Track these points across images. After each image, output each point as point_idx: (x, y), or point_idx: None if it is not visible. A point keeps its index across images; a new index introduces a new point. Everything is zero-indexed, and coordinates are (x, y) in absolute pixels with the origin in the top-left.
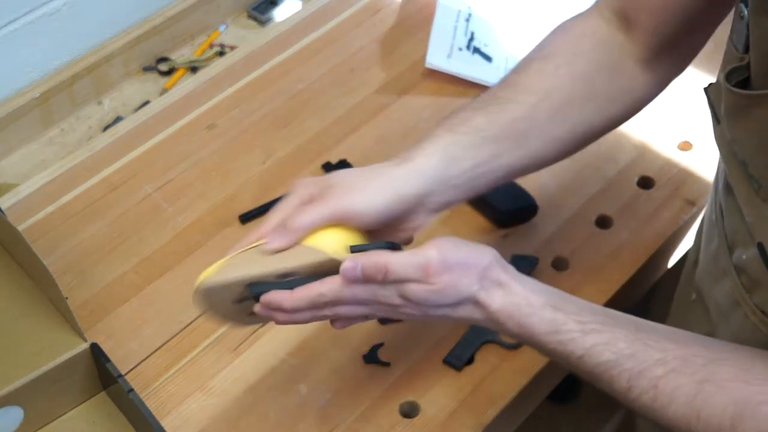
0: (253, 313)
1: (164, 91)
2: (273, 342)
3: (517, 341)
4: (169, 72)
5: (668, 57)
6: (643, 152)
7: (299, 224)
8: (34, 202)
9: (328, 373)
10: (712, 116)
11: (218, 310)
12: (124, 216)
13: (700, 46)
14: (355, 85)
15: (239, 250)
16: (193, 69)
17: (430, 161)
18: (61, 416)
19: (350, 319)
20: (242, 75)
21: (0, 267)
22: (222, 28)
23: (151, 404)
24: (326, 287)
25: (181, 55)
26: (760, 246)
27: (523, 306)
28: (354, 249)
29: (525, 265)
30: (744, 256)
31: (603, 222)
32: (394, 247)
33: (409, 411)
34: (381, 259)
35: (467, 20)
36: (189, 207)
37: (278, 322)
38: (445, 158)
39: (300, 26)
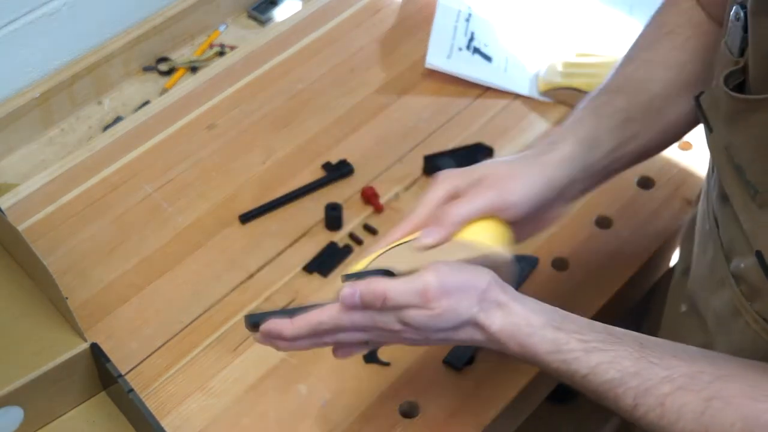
0: None
1: (164, 91)
2: None
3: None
4: (169, 72)
5: None
6: None
7: (454, 218)
8: (34, 202)
9: (328, 373)
10: (705, 125)
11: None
12: (124, 216)
13: None
14: (355, 85)
15: (388, 246)
16: (193, 69)
17: (577, 147)
18: (61, 416)
19: (351, 348)
20: (242, 75)
21: (0, 267)
22: (222, 28)
23: (151, 404)
24: (326, 315)
25: (181, 55)
26: (759, 254)
27: (524, 326)
28: (347, 278)
29: (525, 265)
30: (742, 265)
31: (603, 222)
32: (388, 273)
33: (409, 411)
34: (379, 286)
35: (467, 20)
36: (189, 207)
37: (279, 349)
38: (584, 145)
39: (300, 26)
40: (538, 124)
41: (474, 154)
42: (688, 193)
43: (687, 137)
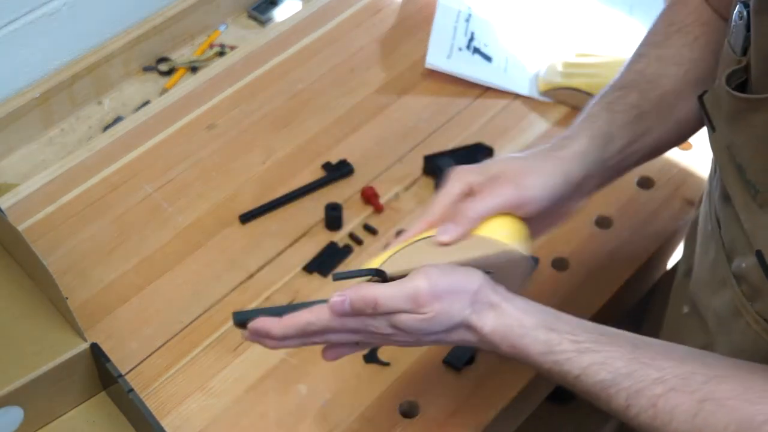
0: None
1: (164, 91)
2: None
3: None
4: (169, 72)
5: None
6: None
7: (473, 215)
8: (34, 202)
9: (328, 373)
10: (707, 124)
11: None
12: (124, 216)
13: None
14: (355, 85)
15: (405, 242)
16: (193, 69)
17: (591, 143)
18: (61, 416)
19: (341, 348)
20: (242, 75)
21: (0, 267)
22: (222, 28)
23: (151, 404)
24: (315, 316)
25: (181, 55)
26: (759, 253)
27: (516, 327)
28: (337, 277)
29: (525, 265)
30: (743, 265)
31: (603, 222)
32: (379, 273)
33: (409, 411)
34: (369, 292)
35: (467, 20)
36: (189, 207)
37: (267, 347)
38: (605, 138)
39: (300, 26)
40: (538, 124)
41: (474, 154)
42: (688, 193)
43: None
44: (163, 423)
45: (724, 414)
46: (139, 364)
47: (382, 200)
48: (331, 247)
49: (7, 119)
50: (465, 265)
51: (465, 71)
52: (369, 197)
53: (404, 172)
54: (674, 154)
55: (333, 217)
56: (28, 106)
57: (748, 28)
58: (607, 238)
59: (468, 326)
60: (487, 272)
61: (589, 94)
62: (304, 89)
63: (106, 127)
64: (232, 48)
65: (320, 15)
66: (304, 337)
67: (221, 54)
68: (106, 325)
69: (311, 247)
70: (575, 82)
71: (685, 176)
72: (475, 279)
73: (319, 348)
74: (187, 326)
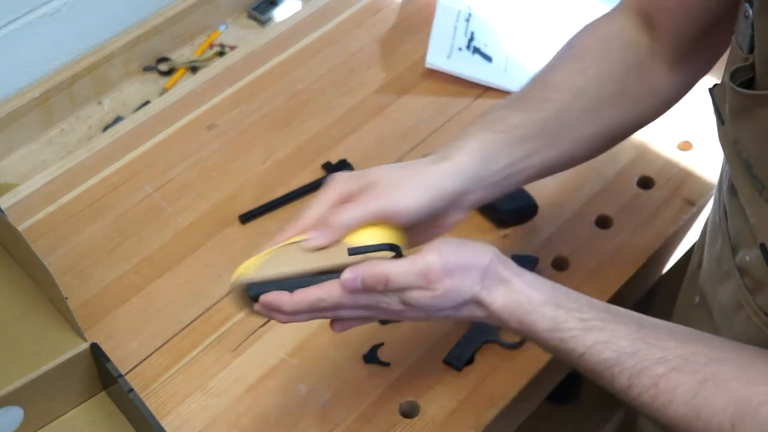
0: None
1: (164, 91)
2: (273, 342)
3: (520, 338)
4: (169, 72)
5: (694, 57)
6: (643, 152)
7: (341, 223)
8: (34, 202)
9: (328, 373)
10: (717, 117)
11: (253, 305)
12: (124, 216)
13: (725, 45)
14: (355, 85)
15: (276, 246)
16: (193, 69)
17: (467, 160)
18: (61, 416)
19: (351, 321)
20: (242, 75)
21: (0, 267)
22: (222, 28)
23: (151, 404)
24: (326, 292)
25: (181, 55)
26: (763, 247)
27: (525, 303)
28: (352, 251)
29: (525, 265)
30: (747, 258)
31: (603, 222)
32: (394, 248)
33: (409, 411)
34: (381, 269)
35: (467, 20)
36: (189, 207)
37: (278, 321)
38: (482, 157)
39: (300, 26)
40: None
41: None
42: (688, 193)
43: (687, 137)
44: (163, 423)
45: (724, 395)
46: (139, 364)
47: None
48: None
49: (7, 119)
50: (330, 271)
51: (465, 71)
52: None
53: None
54: (674, 154)
55: None
56: (28, 106)
57: (753, 26)
58: (607, 238)
59: (478, 302)
60: None
61: None
62: (304, 89)
63: (106, 127)
64: (232, 48)
65: (320, 15)
66: (315, 312)
67: (221, 54)
68: (106, 325)
69: None
70: None
71: (685, 176)
72: (486, 254)
73: (319, 348)
74: (187, 326)
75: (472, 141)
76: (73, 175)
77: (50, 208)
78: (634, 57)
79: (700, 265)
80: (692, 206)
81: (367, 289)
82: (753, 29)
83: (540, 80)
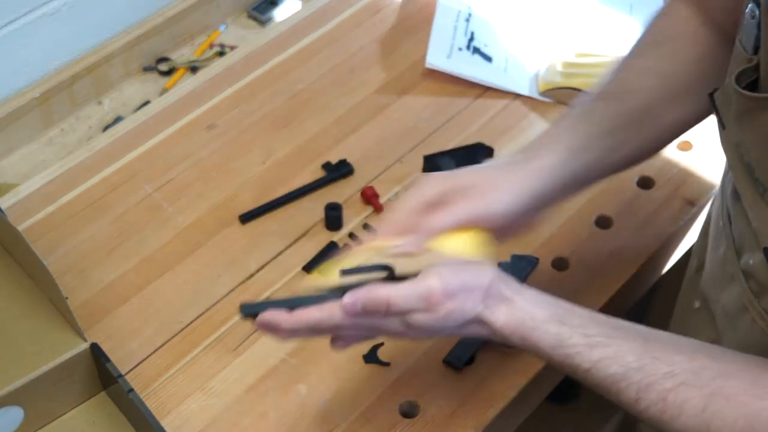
0: None
1: (164, 91)
2: (273, 342)
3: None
4: (169, 72)
5: None
6: None
7: (434, 229)
8: (34, 202)
9: (328, 373)
10: (718, 121)
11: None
12: (124, 216)
13: None
14: (355, 85)
15: (364, 250)
16: (193, 69)
17: (558, 157)
18: (61, 416)
19: (350, 341)
20: (242, 75)
21: (0, 267)
22: (222, 28)
23: (151, 404)
24: (326, 315)
25: (181, 55)
26: (766, 251)
27: (527, 320)
28: (344, 272)
29: (525, 265)
30: (751, 261)
31: (603, 222)
32: (387, 268)
33: (409, 411)
34: (381, 293)
35: (467, 20)
36: (189, 207)
37: (276, 338)
38: (572, 154)
39: (300, 26)
40: (538, 124)
41: (474, 154)
42: (688, 193)
43: (687, 137)
44: (163, 423)
45: (733, 409)
46: (139, 364)
47: (382, 200)
48: (331, 247)
49: (7, 119)
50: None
51: (465, 71)
52: (369, 197)
53: (404, 172)
54: (674, 154)
55: (333, 217)
56: (28, 106)
57: (759, 27)
58: (607, 238)
59: (480, 321)
60: None
61: None
62: (304, 89)
63: (106, 127)
64: (232, 48)
65: (320, 15)
66: (314, 332)
67: (221, 54)
68: (106, 325)
69: (311, 247)
70: (575, 82)
71: (685, 176)
72: (487, 274)
73: (319, 348)
74: (187, 326)
75: (563, 137)
76: (73, 175)
77: (50, 208)
78: (708, 44)
79: (699, 268)
80: (692, 206)
81: (367, 313)
82: (759, 29)
83: (629, 68)
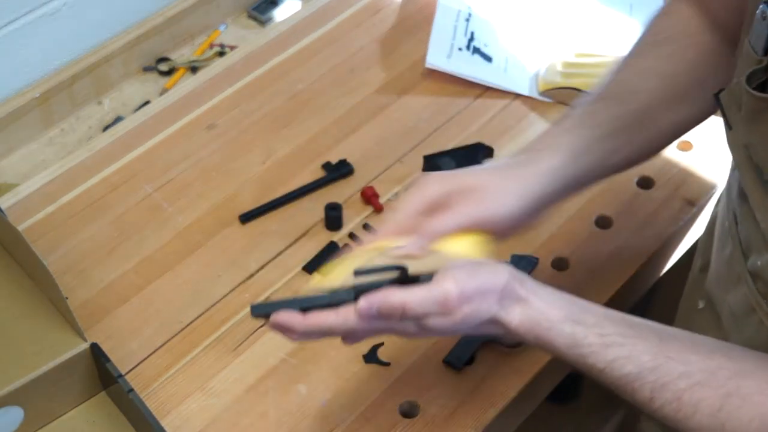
0: None
1: (164, 91)
2: (273, 342)
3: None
4: (169, 72)
5: None
6: None
7: (436, 231)
8: (34, 202)
9: (328, 373)
10: (724, 122)
11: None
12: (124, 216)
13: None
14: (355, 85)
15: (365, 251)
16: (193, 69)
17: (560, 159)
18: (61, 416)
19: (362, 337)
20: (242, 75)
21: (0, 267)
22: (222, 28)
23: (151, 404)
24: (341, 320)
25: (181, 55)
26: None
27: (543, 321)
28: (358, 272)
29: (525, 265)
30: (759, 262)
31: (603, 222)
32: (400, 268)
33: (409, 411)
34: (397, 298)
35: (467, 20)
36: (189, 207)
37: (287, 339)
38: (574, 156)
39: (300, 26)
40: (538, 124)
41: (474, 154)
42: (688, 193)
43: (687, 137)
44: (163, 423)
45: (749, 409)
46: (139, 364)
47: (382, 200)
48: (331, 247)
49: (7, 119)
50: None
51: (465, 71)
52: (369, 197)
53: (404, 172)
54: (674, 154)
55: (333, 217)
56: (28, 106)
57: None
58: (607, 238)
59: (496, 322)
60: None
61: None
62: (304, 89)
63: (106, 127)
64: (232, 48)
65: (320, 15)
66: (327, 335)
67: (221, 54)
68: (106, 325)
69: (311, 247)
70: (575, 82)
71: (685, 176)
72: (502, 274)
73: (319, 348)
74: (187, 326)
75: (564, 139)
76: (73, 175)
77: (50, 208)
78: (709, 43)
79: (703, 269)
80: (692, 206)
81: (383, 317)
82: None
83: (627, 67)
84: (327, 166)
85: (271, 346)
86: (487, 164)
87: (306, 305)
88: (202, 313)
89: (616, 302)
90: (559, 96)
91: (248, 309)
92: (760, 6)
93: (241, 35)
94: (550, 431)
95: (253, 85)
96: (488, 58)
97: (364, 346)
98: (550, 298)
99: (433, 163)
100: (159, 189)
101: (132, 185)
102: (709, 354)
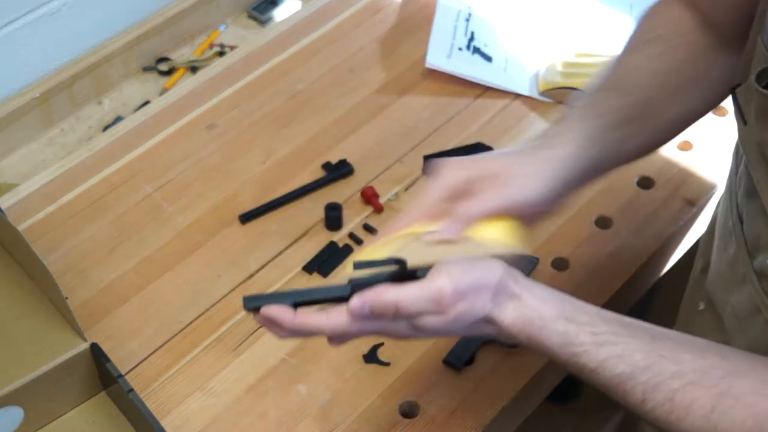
0: None
1: (164, 91)
2: (273, 342)
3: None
4: (169, 72)
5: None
6: None
7: (469, 216)
8: (34, 202)
9: (328, 373)
10: (739, 118)
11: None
12: (124, 216)
13: None
14: (355, 85)
15: (394, 236)
16: (193, 69)
17: (571, 146)
18: (61, 416)
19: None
20: (242, 75)
21: (0, 267)
22: (222, 28)
23: (151, 404)
24: (332, 323)
25: (181, 55)
26: None
27: (535, 319)
28: (357, 265)
29: (525, 265)
30: (767, 262)
31: (603, 222)
32: (399, 262)
33: (409, 411)
34: (390, 296)
35: (467, 20)
36: (189, 207)
37: (276, 335)
38: (583, 143)
39: (300, 26)
40: (538, 124)
41: (474, 153)
42: (688, 193)
43: (687, 137)
44: (163, 423)
45: (742, 409)
46: (139, 364)
47: (382, 200)
48: (331, 247)
49: (7, 119)
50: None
51: (465, 71)
52: (369, 197)
53: (404, 172)
54: (674, 154)
55: (333, 217)
56: (28, 106)
57: None
58: (607, 238)
59: (489, 320)
60: None
61: None
62: (304, 89)
63: (106, 127)
64: (232, 48)
65: (320, 15)
66: (315, 335)
67: (221, 54)
68: (106, 325)
69: (311, 247)
70: (575, 82)
71: (685, 176)
72: (496, 271)
73: (319, 348)
74: (187, 326)
75: (574, 128)
76: (73, 175)
77: (50, 208)
78: (701, 42)
79: (704, 270)
80: (692, 206)
81: (375, 316)
82: None
83: (622, 64)
84: (327, 166)
85: (271, 346)
86: (500, 150)
87: (301, 299)
88: (202, 313)
89: (616, 302)
90: (559, 96)
91: None
92: None
93: (241, 35)
94: (550, 431)
95: (253, 85)
96: (488, 58)
97: (365, 346)
98: (544, 295)
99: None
100: (159, 189)
101: (132, 185)
102: (701, 353)
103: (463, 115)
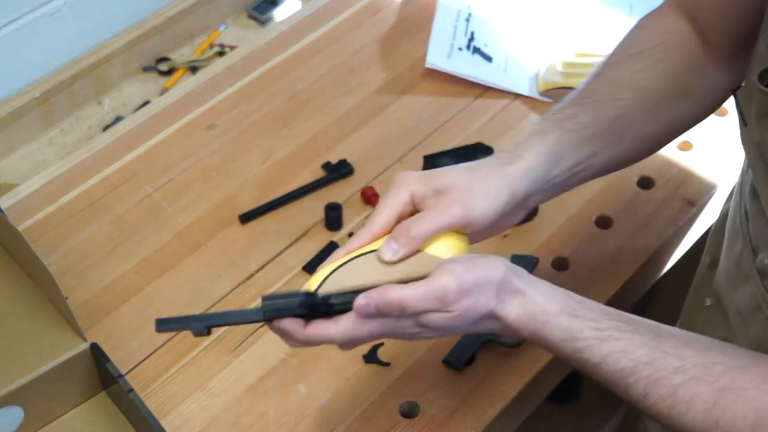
0: None
1: (164, 91)
2: (273, 342)
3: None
4: (169, 72)
5: (744, 57)
6: None
7: (422, 234)
8: (34, 202)
9: (328, 373)
10: (740, 119)
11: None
12: (124, 216)
13: None
14: (355, 85)
15: (348, 256)
16: (193, 69)
17: (539, 160)
18: (61, 416)
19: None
20: (242, 75)
21: (0, 267)
22: (222, 28)
23: (151, 404)
24: (341, 331)
25: (181, 55)
26: None
27: (539, 314)
28: (265, 298)
29: (525, 265)
30: (767, 260)
31: (603, 222)
32: (307, 293)
33: (409, 411)
34: (395, 294)
35: (467, 20)
36: (189, 207)
37: (287, 345)
38: (552, 157)
39: (300, 26)
40: None
41: (474, 154)
42: (688, 193)
43: (687, 137)
44: (163, 423)
45: (743, 403)
46: (139, 364)
47: None
48: (331, 247)
49: (7, 119)
50: (410, 280)
51: (465, 71)
52: (369, 197)
53: None
54: (674, 154)
55: (333, 217)
56: (28, 106)
57: None
58: (607, 238)
59: (493, 316)
60: None
61: None
62: (304, 89)
63: (106, 127)
64: (232, 48)
65: (320, 15)
66: (328, 344)
67: (221, 54)
68: (106, 325)
69: (311, 247)
70: (575, 82)
71: (685, 176)
72: (499, 267)
73: (319, 348)
74: None
75: (544, 140)
76: (73, 175)
77: (50, 208)
78: (691, 56)
79: (711, 266)
80: (692, 206)
81: (381, 315)
82: None
83: (605, 78)
84: (327, 166)
85: (271, 346)
86: (463, 164)
87: (215, 323)
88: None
89: (616, 302)
90: (559, 96)
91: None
92: None
93: (241, 35)
94: (550, 431)
95: (253, 85)
96: (488, 58)
97: (365, 347)
98: (547, 291)
99: (433, 163)
100: (159, 189)
101: (132, 185)
102: (704, 350)
103: (463, 115)
